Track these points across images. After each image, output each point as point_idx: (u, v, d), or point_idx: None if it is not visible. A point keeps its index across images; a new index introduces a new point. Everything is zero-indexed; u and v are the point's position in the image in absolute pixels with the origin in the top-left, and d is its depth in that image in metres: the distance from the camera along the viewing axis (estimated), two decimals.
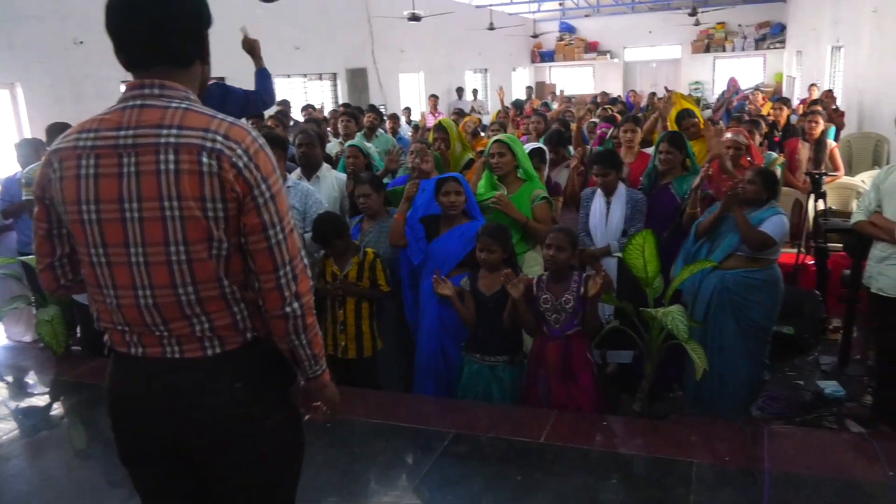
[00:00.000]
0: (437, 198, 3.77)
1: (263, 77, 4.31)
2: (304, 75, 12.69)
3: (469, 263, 3.65)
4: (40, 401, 4.37)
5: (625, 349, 4.40)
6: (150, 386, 1.57)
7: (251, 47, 4.33)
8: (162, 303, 1.52)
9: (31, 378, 4.65)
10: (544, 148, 4.79)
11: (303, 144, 4.52)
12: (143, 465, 1.68)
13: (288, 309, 1.55)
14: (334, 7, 12.69)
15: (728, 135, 4.72)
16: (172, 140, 1.45)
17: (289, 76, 12.08)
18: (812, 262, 5.68)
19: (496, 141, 4.23)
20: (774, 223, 3.74)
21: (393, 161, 4.74)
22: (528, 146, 4.63)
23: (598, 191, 4.30)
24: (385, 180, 4.61)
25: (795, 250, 5.73)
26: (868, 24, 10.00)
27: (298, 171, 4.57)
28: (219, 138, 1.46)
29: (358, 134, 6.77)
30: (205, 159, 1.45)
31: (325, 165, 4.66)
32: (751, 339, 3.84)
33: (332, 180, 4.57)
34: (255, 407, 1.61)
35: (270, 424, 1.64)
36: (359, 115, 7.50)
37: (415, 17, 12.01)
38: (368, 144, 5.53)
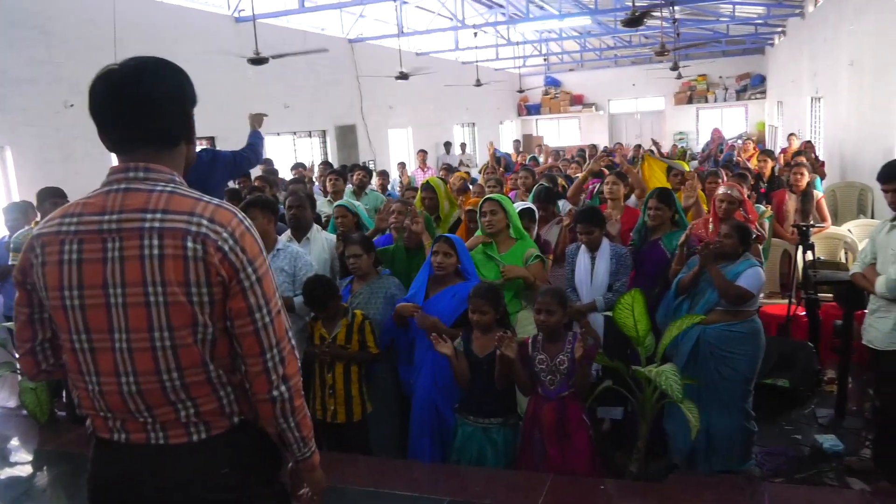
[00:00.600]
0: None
1: (256, 137, 4.41)
2: (294, 133, 12.81)
3: (462, 324, 3.63)
4: (22, 471, 4.25)
5: (615, 405, 4.36)
6: (134, 473, 1.52)
7: (255, 119, 4.49)
8: (146, 389, 1.48)
9: (13, 447, 4.53)
10: (534, 208, 4.81)
11: (293, 206, 4.51)
12: None
13: (275, 392, 1.52)
14: (323, 66, 12.88)
15: (721, 189, 4.77)
16: (157, 224, 1.43)
17: (278, 134, 12.19)
18: (803, 313, 5.69)
19: (487, 199, 4.24)
20: (750, 276, 3.78)
21: (383, 220, 4.72)
22: (518, 206, 4.65)
23: (583, 247, 4.31)
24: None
25: (787, 301, 5.74)
26: (845, 76, 10.24)
27: (288, 232, 4.56)
28: (204, 222, 1.45)
29: (346, 192, 6.79)
30: (189, 244, 1.43)
31: (315, 227, 4.65)
32: (731, 392, 3.83)
33: (322, 242, 4.55)
34: (242, 493, 1.56)
35: None
36: (346, 173, 7.55)
37: (403, 76, 12.20)
38: (357, 203, 5.54)
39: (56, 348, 1.61)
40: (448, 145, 16.42)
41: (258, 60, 8.06)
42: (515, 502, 3.09)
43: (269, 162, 9.73)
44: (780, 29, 17.62)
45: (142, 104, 1.47)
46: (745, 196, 5.36)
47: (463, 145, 17.19)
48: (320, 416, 3.82)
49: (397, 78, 12.23)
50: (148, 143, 1.51)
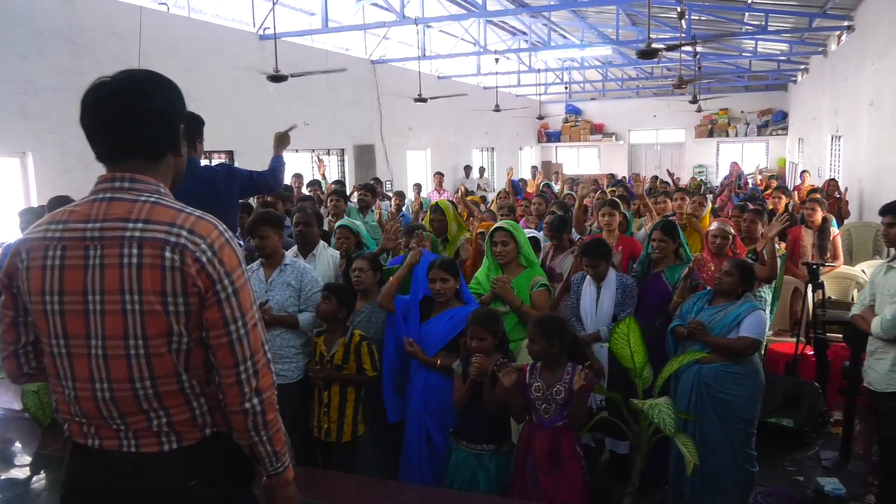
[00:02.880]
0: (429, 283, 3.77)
1: (278, 162, 4.41)
2: (313, 150, 12.93)
3: (456, 346, 3.62)
4: (21, 473, 4.26)
5: (622, 438, 4.32)
6: (105, 479, 1.54)
7: (280, 141, 4.48)
8: (119, 397, 1.50)
9: (14, 449, 4.55)
10: (539, 238, 4.79)
11: (300, 223, 4.55)
12: None
13: (248, 405, 1.53)
14: (344, 85, 13.04)
15: (715, 224, 4.75)
16: (137, 234, 1.46)
17: (297, 151, 12.31)
18: (812, 352, 5.61)
19: (498, 229, 4.22)
20: (752, 323, 3.69)
21: (390, 239, 4.74)
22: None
23: (588, 276, 4.29)
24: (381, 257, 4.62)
25: (795, 340, 5.68)
26: (865, 116, 10.19)
27: (295, 248, 4.60)
28: (183, 233, 1.48)
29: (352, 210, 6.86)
30: (168, 254, 1.46)
31: (322, 244, 4.68)
32: (733, 432, 3.75)
33: (327, 259, 4.59)
34: None
35: None
36: (360, 192, 7.61)
37: (421, 100, 12.28)
38: (358, 223, 5.58)
39: (38, 352, 1.64)
40: (468, 169, 16.51)
41: (277, 78, 8.16)
42: None
43: (298, 177, 9.86)
44: (802, 66, 17.60)
45: (128, 118, 1.52)
46: (760, 233, 5.34)
47: (482, 169, 17.26)
48: (315, 434, 3.83)
49: (416, 100, 12.33)
50: (134, 154, 1.55)
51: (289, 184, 9.70)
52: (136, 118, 1.53)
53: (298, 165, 12.36)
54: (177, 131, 1.62)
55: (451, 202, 6.29)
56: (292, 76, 8.25)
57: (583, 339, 4.19)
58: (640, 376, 3.52)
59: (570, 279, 4.61)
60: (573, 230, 5.85)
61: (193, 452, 1.56)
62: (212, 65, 9.82)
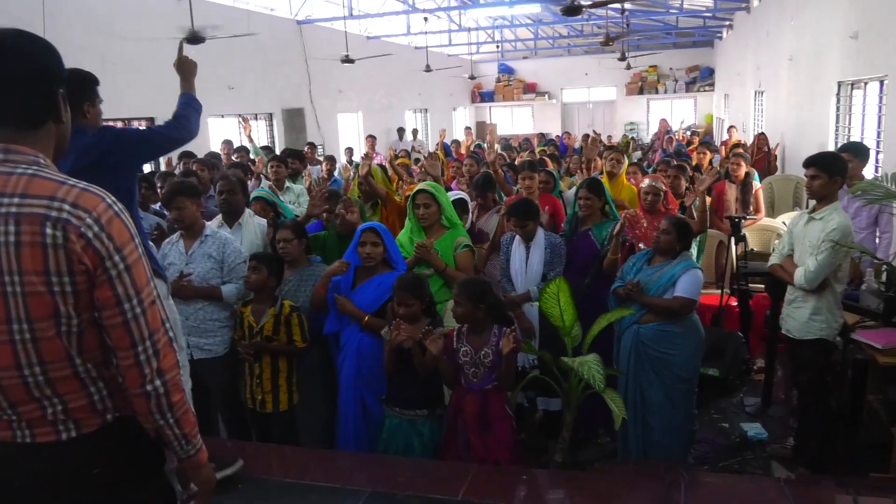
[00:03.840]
0: (357, 248, 3.71)
1: (186, 107, 3.31)
2: (239, 115, 12.53)
3: (385, 312, 3.58)
4: None
5: (554, 395, 4.39)
6: (1, 473, 1.45)
7: (183, 70, 3.46)
8: (7, 385, 1.40)
9: None
10: (466, 199, 4.77)
11: (223, 191, 4.39)
12: None
13: (149, 387, 1.46)
14: (270, 47, 12.62)
15: (646, 181, 4.81)
16: (14, 210, 1.35)
17: (223, 116, 11.91)
18: (736, 303, 5.79)
19: (420, 191, 4.19)
20: (688, 282, 3.69)
21: (316, 206, 4.62)
22: (451, 195, 4.61)
23: (518, 237, 4.30)
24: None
25: (719, 292, 5.84)
26: (785, 71, 10.46)
27: (219, 218, 4.45)
28: (66, 207, 1.37)
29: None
30: (48, 230, 1.35)
31: (248, 211, 4.54)
32: (672, 391, 3.78)
33: (254, 227, 4.45)
34: (116, 493, 1.49)
35: None
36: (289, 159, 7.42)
37: (348, 60, 12.00)
38: (298, 187, 5.42)
39: None
40: (401, 131, 16.33)
41: (194, 40, 7.80)
42: (437, 492, 3.06)
43: (228, 143, 9.52)
44: (727, 22, 17.93)
45: None
46: (684, 188, 5.44)
47: (415, 131, 17.09)
48: (250, 406, 3.78)
49: (343, 61, 12.03)
50: (7, 123, 1.42)
51: (216, 150, 9.41)
52: (7, 82, 1.39)
53: (227, 132, 11.98)
54: (55, 96, 1.48)
55: (381, 166, 6.19)
56: (208, 39, 7.91)
57: (514, 299, 4.21)
58: (569, 334, 3.56)
59: (499, 239, 4.61)
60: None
61: (95, 439, 1.48)
62: (126, 27, 9.33)
